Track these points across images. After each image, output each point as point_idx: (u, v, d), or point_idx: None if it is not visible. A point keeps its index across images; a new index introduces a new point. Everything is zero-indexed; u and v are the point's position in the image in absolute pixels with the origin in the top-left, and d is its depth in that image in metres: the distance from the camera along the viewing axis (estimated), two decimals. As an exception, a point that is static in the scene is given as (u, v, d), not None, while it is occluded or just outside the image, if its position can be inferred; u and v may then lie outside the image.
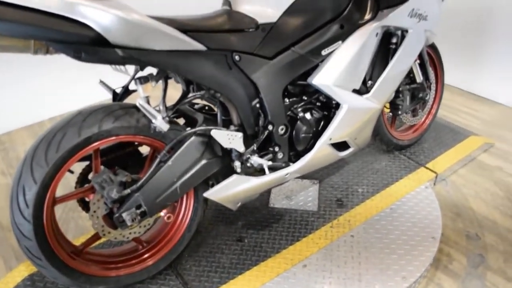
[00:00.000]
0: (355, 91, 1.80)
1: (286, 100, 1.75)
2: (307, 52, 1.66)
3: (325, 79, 1.69)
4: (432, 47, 2.40)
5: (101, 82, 1.64)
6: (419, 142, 2.61)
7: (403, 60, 1.93)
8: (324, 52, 1.69)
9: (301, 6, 1.62)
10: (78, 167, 1.50)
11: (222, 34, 1.52)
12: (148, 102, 1.45)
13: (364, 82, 1.86)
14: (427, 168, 2.38)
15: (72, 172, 1.48)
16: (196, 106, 1.78)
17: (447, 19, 3.32)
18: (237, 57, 1.53)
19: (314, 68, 1.71)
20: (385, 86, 1.90)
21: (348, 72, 1.73)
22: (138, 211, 1.48)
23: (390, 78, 1.90)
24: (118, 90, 1.64)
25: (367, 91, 1.85)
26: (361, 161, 2.43)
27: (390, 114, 2.32)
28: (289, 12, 1.61)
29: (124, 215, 1.45)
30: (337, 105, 1.78)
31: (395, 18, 1.80)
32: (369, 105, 1.86)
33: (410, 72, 2.22)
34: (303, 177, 2.14)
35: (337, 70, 1.70)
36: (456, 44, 3.58)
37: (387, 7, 1.81)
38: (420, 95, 2.30)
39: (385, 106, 2.28)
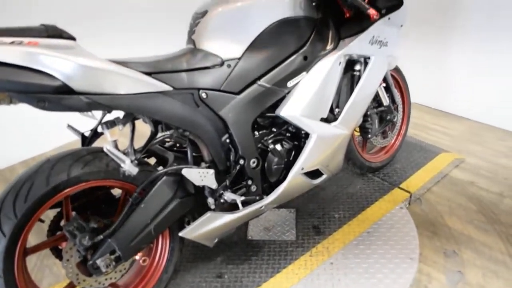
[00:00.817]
0: (323, 119, 1.83)
1: (256, 132, 1.76)
2: (273, 85, 1.68)
3: (292, 110, 1.71)
4: (396, 70, 2.47)
5: (69, 126, 1.63)
6: (391, 163, 2.65)
7: (368, 86, 1.97)
8: (289, 84, 1.71)
9: (264, 41, 1.65)
10: (50, 213, 1.47)
11: (188, 73, 1.53)
12: (116, 146, 1.44)
13: (332, 110, 1.89)
14: (401, 188, 2.42)
15: (42, 221, 1.45)
16: (167, 144, 1.78)
17: (411, 38, 3.44)
18: (204, 95, 1.54)
19: (282, 99, 1.73)
20: (352, 112, 1.93)
21: (315, 102, 1.76)
22: (113, 257, 1.45)
23: (356, 104, 1.94)
24: (87, 133, 1.62)
25: (335, 119, 1.88)
26: (336, 186, 2.45)
27: (361, 137, 2.36)
28: (253, 47, 1.64)
29: (98, 261, 1.43)
30: (307, 135, 1.80)
31: (357, 46, 1.85)
32: (337, 132, 1.89)
33: (377, 96, 2.27)
34: (280, 206, 2.14)
35: (303, 100, 1.73)
36: (423, 63, 3.68)
37: (348, 36, 1.86)
38: (388, 117, 2.35)
39: (355, 130, 2.32)
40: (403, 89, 2.57)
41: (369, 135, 2.27)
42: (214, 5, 1.67)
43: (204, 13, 1.66)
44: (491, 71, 3.29)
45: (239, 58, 1.62)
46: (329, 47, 1.81)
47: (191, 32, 1.68)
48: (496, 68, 3.25)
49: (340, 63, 1.80)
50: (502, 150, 2.98)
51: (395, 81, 2.52)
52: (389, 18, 1.97)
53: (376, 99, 2.30)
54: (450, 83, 3.56)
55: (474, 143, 3.07)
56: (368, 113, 2.24)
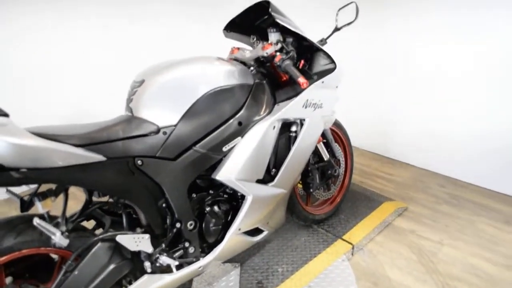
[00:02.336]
0: (259, 181, 1.90)
1: (194, 195, 1.81)
2: (208, 150, 1.74)
3: (227, 174, 1.77)
4: (337, 125, 2.58)
5: (8, 191, 1.64)
6: (336, 213, 2.73)
7: (304, 146, 2.07)
8: (225, 149, 1.78)
9: (199, 109, 1.72)
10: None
11: (123, 141, 1.57)
12: (48, 217, 1.46)
13: (269, 171, 1.96)
14: (343, 240, 2.49)
15: None
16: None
17: (359, 88, 3.61)
18: (139, 162, 1.58)
19: (218, 163, 1.79)
20: (288, 172, 2.01)
21: (250, 165, 1.83)
22: None
23: (292, 164, 2.02)
24: (26, 198, 1.63)
25: (272, 179, 1.95)
26: (281, 238, 2.51)
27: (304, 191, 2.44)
28: (188, 114, 1.70)
29: None
30: (243, 196, 1.86)
31: (290, 111, 1.95)
32: (275, 192, 1.96)
33: (317, 151, 2.37)
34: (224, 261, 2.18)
35: (238, 164, 1.79)
36: (372, 112, 3.85)
37: (283, 101, 1.96)
38: (329, 171, 2.45)
39: (299, 183, 2.41)
40: (345, 143, 2.68)
41: (311, 190, 2.35)
42: (151, 74, 1.74)
43: (141, 82, 1.72)
44: (432, 119, 3.47)
45: (175, 125, 1.68)
46: (263, 112, 1.89)
47: (129, 100, 1.74)
48: (437, 116, 3.43)
49: (274, 127, 1.89)
50: (443, 197, 3.11)
51: (336, 136, 2.63)
52: (322, 82, 2.08)
53: (317, 154, 2.39)
54: (396, 130, 3.73)
55: (417, 190, 3.21)
56: (309, 168, 2.33)
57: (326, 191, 2.57)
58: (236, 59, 2.12)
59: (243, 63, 2.08)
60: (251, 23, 2.13)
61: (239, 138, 1.82)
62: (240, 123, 1.81)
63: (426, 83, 3.43)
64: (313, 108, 2.05)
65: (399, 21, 3.48)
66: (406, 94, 3.56)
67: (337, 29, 2.15)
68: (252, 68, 2.03)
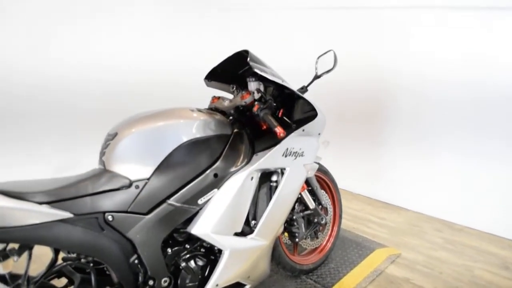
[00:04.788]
0: (238, 233, 1.83)
1: (169, 250, 1.75)
2: (183, 203, 1.70)
3: (203, 227, 1.72)
4: (323, 171, 2.53)
5: None
6: (326, 262, 2.64)
7: (285, 196, 2.01)
8: (200, 201, 1.73)
9: (173, 161, 1.69)
10: None
11: (92, 197, 1.53)
12: (10, 277, 1.40)
13: (248, 223, 1.90)
14: (333, 291, 2.39)
15: None
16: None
17: (351, 134, 3.59)
18: (109, 217, 1.54)
19: (194, 216, 1.74)
20: (269, 223, 1.95)
21: (226, 218, 1.77)
22: None
23: (273, 214, 1.96)
24: None
25: (251, 231, 1.89)
26: (268, 291, 2.41)
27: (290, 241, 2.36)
28: (162, 167, 1.67)
29: None
30: (221, 250, 1.79)
31: (269, 160, 1.91)
32: (254, 244, 1.90)
33: (302, 200, 2.32)
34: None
35: (214, 217, 1.74)
36: (364, 156, 3.81)
37: (262, 150, 1.92)
38: (315, 220, 2.38)
39: (285, 233, 2.34)
40: (332, 189, 2.63)
41: (297, 239, 2.28)
42: (124, 127, 1.72)
43: (114, 135, 1.70)
44: (426, 161, 3.41)
45: (148, 179, 1.64)
46: (241, 162, 1.85)
47: (102, 153, 1.71)
48: (429, 158, 3.38)
49: (252, 178, 1.85)
50: (438, 242, 3.02)
51: (323, 183, 2.58)
52: (303, 130, 2.05)
53: (302, 203, 2.34)
54: (389, 174, 3.67)
55: (411, 235, 3.12)
56: (294, 217, 2.27)
57: (313, 240, 2.49)
58: (216, 109, 2.11)
59: (223, 112, 2.07)
60: (232, 72, 2.12)
61: (215, 190, 1.77)
62: (216, 175, 1.77)
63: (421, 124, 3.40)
64: (294, 157, 2.02)
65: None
66: (399, 136, 3.53)
67: (317, 77, 2.15)
68: (231, 117, 2.01)
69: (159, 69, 3.75)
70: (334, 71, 2.19)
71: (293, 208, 2.32)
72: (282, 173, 2.02)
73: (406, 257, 2.82)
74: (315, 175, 2.46)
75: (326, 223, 2.48)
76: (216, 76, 2.21)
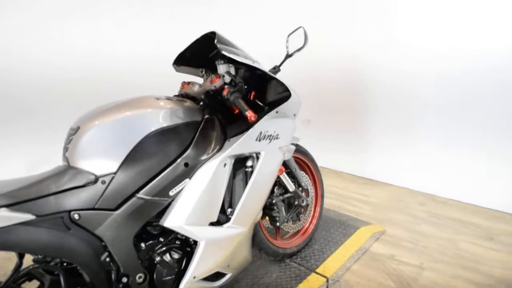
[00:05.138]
0: (213, 223, 1.77)
1: (142, 244, 1.68)
2: (153, 196, 1.63)
3: (176, 219, 1.65)
4: (302, 152, 2.48)
5: None
6: (310, 244, 2.61)
7: (261, 181, 1.95)
8: (172, 193, 1.66)
9: (140, 153, 1.61)
10: None
11: (56, 195, 1.46)
12: None
13: (225, 211, 1.85)
14: (317, 273, 2.36)
15: None
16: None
17: (327, 110, 3.53)
18: (76, 216, 1.46)
19: (166, 208, 1.67)
20: (246, 209, 1.89)
21: (200, 208, 1.71)
22: None
23: (250, 200, 1.91)
24: None
25: (228, 220, 1.83)
26: (252, 277, 2.36)
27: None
28: (128, 160, 1.59)
29: None
30: (196, 242, 1.74)
31: (242, 145, 1.84)
32: (232, 233, 1.84)
33: (281, 183, 2.26)
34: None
35: (187, 208, 1.67)
36: (346, 133, 3.76)
37: (234, 136, 1.85)
38: (296, 202, 2.33)
39: (265, 217, 2.29)
40: (313, 170, 2.58)
41: (278, 223, 2.23)
42: (86, 120, 1.63)
43: (76, 129, 1.61)
44: (409, 137, 3.38)
45: (115, 173, 1.56)
46: (212, 149, 1.78)
47: (65, 149, 1.63)
48: (412, 133, 3.34)
49: (225, 164, 1.78)
50: (422, 216, 3.00)
51: (303, 164, 2.52)
52: (276, 112, 1.98)
53: (281, 186, 2.28)
54: (373, 150, 3.63)
55: (395, 210, 3.09)
56: (274, 201, 2.22)
57: (295, 222, 2.44)
58: (186, 95, 2.02)
59: (194, 98, 1.99)
60: (200, 56, 2.04)
61: (187, 180, 1.70)
62: (186, 164, 1.70)
63: (402, 99, 3.35)
64: (268, 140, 1.95)
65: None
66: (381, 111, 3.48)
67: (288, 56, 2.06)
68: (201, 103, 1.93)
69: (129, 56, 3.62)
70: (307, 50, 2.11)
71: (273, 192, 2.27)
72: (258, 158, 1.95)
73: (390, 233, 2.80)
74: (294, 157, 2.40)
75: (307, 205, 2.44)
76: (185, 60, 2.12)
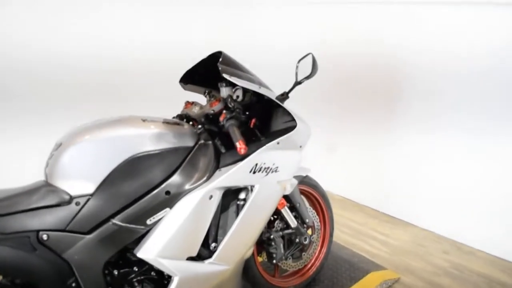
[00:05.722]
0: (195, 258, 1.65)
1: (115, 272, 1.58)
2: (129, 223, 1.53)
3: (150, 250, 1.54)
4: (312, 186, 2.31)
5: None
6: (311, 285, 2.42)
7: (253, 216, 1.82)
8: (149, 221, 1.56)
9: (119, 176, 1.52)
10: None
11: (25, 213, 1.39)
12: None
13: (209, 245, 1.72)
14: (313, 319, 2.17)
15: None
16: None
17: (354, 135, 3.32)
18: (44, 237, 1.39)
19: (142, 237, 1.57)
20: (232, 246, 1.76)
21: (178, 241, 1.59)
22: None
23: (238, 236, 1.77)
24: None
25: (210, 255, 1.70)
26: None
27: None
28: (106, 182, 1.50)
29: None
30: (170, 276, 1.62)
31: (233, 177, 1.71)
32: (213, 270, 1.71)
33: (283, 218, 2.11)
34: None
35: (163, 240, 1.56)
36: (371, 164, 3.54)
37: (226, 165, 1.73)
38: (297, 240, 2.17)
39: (263, 254, 2.15)
40: (323, 206, 2.40)
41: (274, 260, 2.08)
42: (69, 137, 1.57)
43: (59, 145, 1.55)
44: (441, 174, 3.12)
45: (91, 195, 1.48)
46: (199, 179, 1.66)
47: (46, 164, 1.57)
48: (445, 170, 3.08)
49: (211, 197, 1.65)
50: (444, 266, 2.74)
51: (312, 198, 2.36)
52: (278, 143, 1.84)
53: (283, 221, 2.13)
54: (400, 185, 3.39)
55: (414, 256, 2.85)
56: (272, 236, 2.07)
57: (296, 260, 2.27)
58: (186, 116, 1.93)
59: (195, 120, 1.90)
60: (206, 76, 1.94)
61: (167, 209, 1.59)
62: (168, 192, 1.59)
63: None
64: (265, 173, 1.81)
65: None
66: (412, 143, 3.24)
67: (297, 83, 1.92)
68: (200, 126, 1.83)
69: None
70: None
71: (272, 227, 2.12)
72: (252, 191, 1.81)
73: (404, 282, 2.56)
74: (301, 190, 2.24)
75: (310, 243, 2.26)
76: (192, 79, 2.03)
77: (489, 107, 2.77)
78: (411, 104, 3.19)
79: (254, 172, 1.77)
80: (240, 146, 1.57)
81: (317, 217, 2.36)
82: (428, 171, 3.16)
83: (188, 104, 2.00)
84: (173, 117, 2.00)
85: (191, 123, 1.93)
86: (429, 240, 3.06)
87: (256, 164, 1.77)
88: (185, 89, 2.08)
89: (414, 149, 3.21)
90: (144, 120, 1.64)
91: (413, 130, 3.18)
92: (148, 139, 1.58)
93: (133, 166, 1.55)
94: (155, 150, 1.59)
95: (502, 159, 2.76)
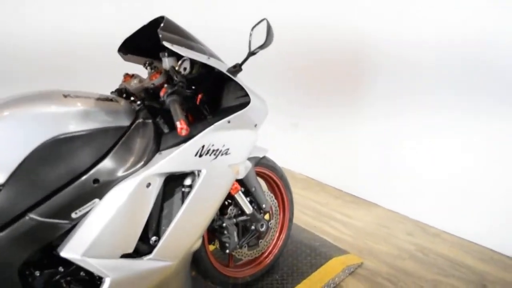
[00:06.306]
0: (129, 255, 1.43)
1: (37, 273, 1.35)
2: (50, 217, 1.29)
3: (76, 249, 1.32)
4: (270, 167, 2.12)
5: None
6: (270, 274, 2.25)
7: (199, 205, 1.61)
8: (75, 215, 1.32)
9: (36, 163, 1.27)
10: None
11: None
12: None
13: (149, 240, 1.50)
14: (270, 311, 2.01)
15: None
16: None
17: (318, 110, 3.14)
18: None
19: (67, 233, 1.33)
20: (176, 239, 1.55)
21: (110, 236, 1.37)
22: None
23: (183, 228, 1.56)
24: None
25: (151, 251, 1.49)
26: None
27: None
28: (21, 170, 1.25)
29: None
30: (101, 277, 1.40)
31: (175, 161, 1.49)
32: (153, 266, 1.50)
33: (237, 203, 1.91)
34: None
35: (92, 236, 1.33)
36: (335, 141, 3.37)
37: (167, 148, 1.50)
38: (253, 227, 1.98)
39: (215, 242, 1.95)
40: (282, 189, 2.22)
41: (228, 250, 1.89)
42: None
43: None
44: (410, 152, 2.97)
45: (2, 186, 1.23)
46: (134, 164, 1.43)
47: None
48: (415, 146, 2.93)
49: (149, 184, 1.42)
50: (408, 248, 2.63)
51: (270, 180, 2.17)
52: (228, 122, 1.62)
53: (237, 206, 1.93)
54: (365, 164, 3.24)
55: (379, 239, 2.72)
56: (224, 224, 1.87)
57: (252, 249, 2.08)
58: (125, 90, 1.68)
59: (133, 94, 1.65)
60: (148, 44, 1.69)
61: (96, 200, 1.36)
62: (96, 181, 1.35)
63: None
64: (214, 156, 1.59)
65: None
66: (379, 123, 3.07)
67: (251, 53, 1.69)
68: (139, 102, 1.58)
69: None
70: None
71: (225, 213, 1.92)
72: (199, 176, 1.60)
73: (368, 266, 2.43)
74: (258, 172, 2.04)
75: (268, 229, 2.08)
76: (134, 47, 1.77)
77: (456, 81, 2.62)
78: (377, 83, 3.00)
79: (201, 155, 1.55)
80: (181, 126, 1.34)
81: (275, 201, 2.17)
82: (394, 151, 3.01)
83: (128, 76, 1.74)
84: (111, 92, 1.74)
85: (132, 98, 1.69)
86: (393, 221, 2.95)
87: (203, 146, 1.55)
88: (124, 59, 1.82)
89: (381, 129, 3.04)
90: (66, 96, 1.38)
91: (381, 109, 3.00)
92: (71, 118, 1.34)
93: (52, 150, 1.30)
94: (80, 131, 1.34)
95: (466, 137, 2.62)
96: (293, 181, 2.26)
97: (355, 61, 3.06)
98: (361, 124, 3.17)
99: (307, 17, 3.25)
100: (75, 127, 1.33)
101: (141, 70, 1.77)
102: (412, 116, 2.83)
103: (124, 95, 1.71)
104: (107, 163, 1.38)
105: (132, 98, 1.69)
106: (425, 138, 2.81)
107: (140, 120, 1.51)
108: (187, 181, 1.59)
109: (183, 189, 1.59)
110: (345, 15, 3.03)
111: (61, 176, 1.32)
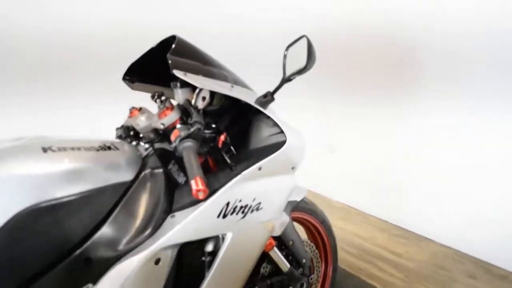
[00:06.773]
0: None
1: None
2: (27, 311, 0.96)
3: None
4: (307, 211, 1.76)
5: None
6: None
7: (226, 275, 1.27)
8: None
9: (10, 237, 0.96)
10: None
11: None
12: None
13: None
14: None
15: None
16: None
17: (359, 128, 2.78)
18: None
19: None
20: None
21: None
22: None
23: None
24: None
25: None
26: None
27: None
28: None
29: None
30: None
31: (191, 228, 1.15)
32: None
33: (273, 261, 1.56)
34: None
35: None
36: (378, 166, 2.98)
37: (182, 208, 1.16)
38: (291, 286, 1.62)
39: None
40: (324, 235, 1.86)
41: (260, 318, 1.53)
42: None
43: None
44: (465, 186, 2.56)
45: None
46: (137, 234, 1.10)
47: None
48: (472, 185, 2.52)
49: (158, 260, 1.09)
50: (471, 296, 2.21)
51: (311, 226, 1.81)
52: (259, 169, 1.27)
53: (272, 263, 1.58)
54: (413, 190, 2.83)
55: (436, 284, 2.30)
56: (256, 287, 1.52)
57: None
58: (132, 127, 1.35)
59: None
60: (159, 69, 1.36)
61: (90, 286, 1.02)
62: (88, 260, 1.02)
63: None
64: (242, 215, 1.24)
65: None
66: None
67: (286, 80, 1.34)
68: (147, 146, 1.25)
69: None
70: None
71: (257, 273, 1.56)
72: (224, 239, 1.25)
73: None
74: (295, 218, 1.69)
75: (311, 283, 1.72)
76: (142, 74, 1.45)
77: None
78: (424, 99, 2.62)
79: (225, 216, 1.20)
80: (197, 187, 1.00)
81: (316, 251, 1.81)
82: (448, 178, 2.59)
83: (135, 111, 1.41)
84: (117, 129, 1.42)
85: (141, 135, 1.36)
86: (451, 261, 2.53)
87: (228, 204, 1.21)
88: (132, 88, 1.50)
89: (434, 151, 2.64)
90: (46, 150, 1.05)
91: (435, 127, 2.61)
92: (53, 180, 1.01)
93: (29, 223, 0.98)
94: (66, 197, 1.01)
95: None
96: (329, 209, 1.89)
97: (400, 76, 2.68)
98: (410, 146, 2.76)
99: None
100: (59, 191, 1.00)
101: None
102: (474, 144, 2.42)
103: (132, 132, 1.38)
104: (102, 236, 1.05)
105: (141, 135, 1.36)
106: (491, 168, 2.39)
107: (148, 170, 1.18)
108: (209, 247, 1.25)
109: (203, 258, 1.24)
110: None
111: (41, 256, 1.00)
